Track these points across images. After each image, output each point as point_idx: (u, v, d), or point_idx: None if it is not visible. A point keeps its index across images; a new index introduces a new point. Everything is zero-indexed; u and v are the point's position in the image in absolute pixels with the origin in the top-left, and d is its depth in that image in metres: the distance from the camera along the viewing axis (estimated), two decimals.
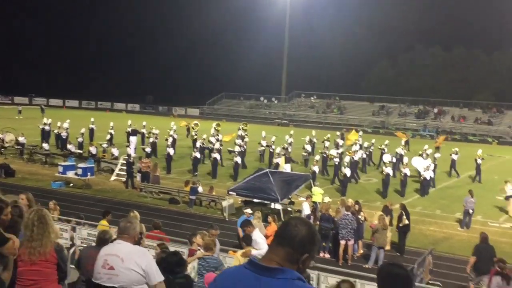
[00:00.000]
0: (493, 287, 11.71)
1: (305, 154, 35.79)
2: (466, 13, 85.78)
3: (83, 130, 37.59)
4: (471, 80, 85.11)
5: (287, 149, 34.15)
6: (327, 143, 35.88)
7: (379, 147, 36.43)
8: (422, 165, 30.22)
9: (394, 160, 33.09)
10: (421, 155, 33.17)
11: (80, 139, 36.14)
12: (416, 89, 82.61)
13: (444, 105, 76.64)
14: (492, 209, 25.33)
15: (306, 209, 19.32)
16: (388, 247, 17.60)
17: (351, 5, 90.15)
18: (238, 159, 30.47)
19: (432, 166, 29.81)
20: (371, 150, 37.32)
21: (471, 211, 21.45)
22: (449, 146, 38.20)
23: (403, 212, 18.61)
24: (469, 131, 68.38)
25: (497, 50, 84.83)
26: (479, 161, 32.87)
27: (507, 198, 24.32)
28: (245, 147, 35.46)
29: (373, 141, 39.37)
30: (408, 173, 28.19)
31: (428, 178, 28.09)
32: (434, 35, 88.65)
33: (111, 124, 40.61)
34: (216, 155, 30.73)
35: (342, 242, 16.99)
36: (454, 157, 34.36)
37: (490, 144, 59.64)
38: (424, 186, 28.17)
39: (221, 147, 33.84)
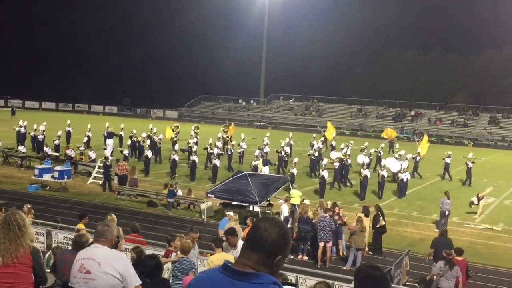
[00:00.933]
0: (435, 269, 13.22)
1: (284, 156, 35.91)
2: (442, 16, 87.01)
3: (59, 133, 37.17)
4: (447, 82, 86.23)
5: (262, 149, 34.22)
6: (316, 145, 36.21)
7: (376, 149, 36.66)
8: (395, 166, 30.65)
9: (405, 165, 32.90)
10: (396, 158, 33.53)
11: (56, 142, 35.74)
12: (393, 92, 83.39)
13: (421, 107, 77.48)
14: (468, 211, 25.61)
15: (285, 211, 19.35)
16: (366, 249, 17.70)
17: (329, 8, 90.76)
18: (217, 162, 30.41)
19: (406, 167, 30.23)
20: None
21: (447, 212, 21.67)
22: (434, 149, 38.53)
23: (379, 213, 18.77)
24: (445, 133, 69.21)
25: (472, 52, 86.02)
26: (470, 164, 32.97)
27: (477, 199, 24.58)
28: (231, 150, 35.46)
29: (351, 142, 39.82)
30: (386, 175, 28.49)
31: (405, 179, 28.33)
32: (411, 38, 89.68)
33: (89, 126, 40.25)
34: (194, 158, 30.61)
35: (321, 244, 17.03)
36: (447, 160, 34.50)
37: (466, 146, 60.38)
38: (401, 188, 28.40)
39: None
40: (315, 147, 37.31)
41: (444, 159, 34.78)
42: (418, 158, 35.11)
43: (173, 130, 40.13)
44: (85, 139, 38.06)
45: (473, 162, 33.35)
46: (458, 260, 13.35)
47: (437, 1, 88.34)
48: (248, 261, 2.80)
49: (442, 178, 34.65)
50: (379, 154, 35.98)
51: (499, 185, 32.43)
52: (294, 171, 28.34)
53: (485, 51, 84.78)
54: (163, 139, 38.23)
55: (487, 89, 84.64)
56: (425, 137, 42.71)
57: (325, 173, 27.54)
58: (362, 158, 32.64)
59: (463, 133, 68.95)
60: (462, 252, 13.77)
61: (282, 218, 18.18)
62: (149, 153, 31.85)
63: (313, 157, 33.48)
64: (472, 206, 24.77)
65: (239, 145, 37.44)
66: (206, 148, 34.09)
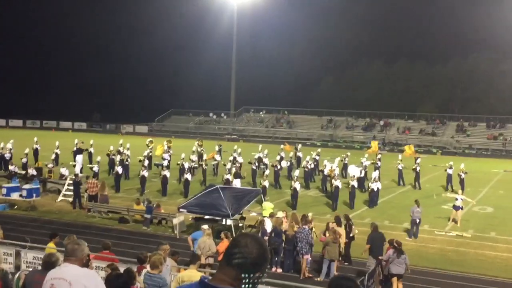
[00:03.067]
0: (385, 257, 15.29)
1: (262, 167, 36.14)
2: (408, 27, 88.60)
3: (27, 151, 36.61)
4: (415, 92, 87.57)
5: (235, 163, 34.25)
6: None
7: (373, 161, 36.84)
8: (355, 171, 31.20)
9: (363, 173, 33.14)
10: (357, 166, 34.25)
11: (24, 160, 35.18)
12: (362, 102, 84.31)
13: (390, 117, 78.43)
14: (438, 218, 25.95)
15: (268, 226, 18.95)
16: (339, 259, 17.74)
17: (297, 22, 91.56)
18: (189, 176, 30.28)
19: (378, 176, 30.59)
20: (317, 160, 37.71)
21: (418, 220, 21.92)
22: (405, 159, 38.93)
23: (350, 222, 18.96)
24: (414, 142, 69.97)
25: (438, 62, 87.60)
26: (462, 175, 32.95)
27: (455, 208, 24.75)
28: (206, 164, 35.32)
29: (319, 150, 40.36)
30: (356, 185, 28.76)
31: (375, 189, 28.58)
32: (378, 49, 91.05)
33: (57, 143, 39.75)
34: (166, 173, 30.42)
35: (306, 257, 17.03)
36: (450, 171, 34.09)
37: (434, 155, 61.28)
38: (372, 197, 28.65)
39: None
40: (282, 160, 37.31)
41: (446, 170, 34.52)
42: (418, 168, 35.15)
43: (147, 145, 39.74)
44: (53, 156, 37.54)
45: (465, 173, 33.27)
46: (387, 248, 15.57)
47: (403, 13, 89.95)
48: (226, 277, 2.79)
49: (446, 189, 34.01)
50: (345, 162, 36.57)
51: (467, 192, 32.85)
52: (266, 183, 28.37)
53: (451, 60, 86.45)
54: (153, 155, 38.09)
55: (454, 97, 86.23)
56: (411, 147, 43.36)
57: (297, 185, 27.66)
58: (353, 170, 32.99)
59: (431, 141, 69.96)
60: (385, 241, 16.44)
61: (265, 232, 18.08)
62: (119, 169, 31.52)
63: (276, 169, 33.36)
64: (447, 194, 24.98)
65: (213, 158, 37.51)
66: (178, 164, 33.82)
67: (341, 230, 17.95)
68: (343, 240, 17.97)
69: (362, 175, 32.50)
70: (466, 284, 16.78)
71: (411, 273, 16.50)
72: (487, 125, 72.57)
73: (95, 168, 32.41)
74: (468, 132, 71.39)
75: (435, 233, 23.19)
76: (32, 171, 30.38)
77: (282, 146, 42.03)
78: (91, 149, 39.53)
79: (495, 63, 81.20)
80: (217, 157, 37.78)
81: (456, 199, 24.86)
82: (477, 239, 22.39)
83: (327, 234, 17.40)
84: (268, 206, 22.38)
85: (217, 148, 41.43)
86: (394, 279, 15.33)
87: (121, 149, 38.46)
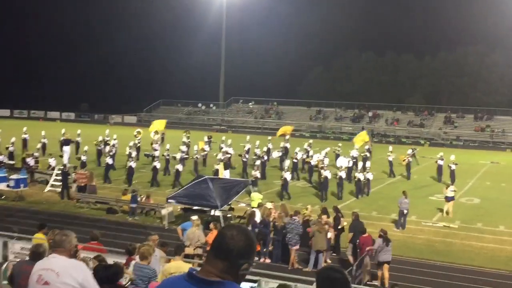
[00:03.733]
0: (375, 246, 15.79)
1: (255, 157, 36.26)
2: (397, 18, 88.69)
3: (13, 139, 36.31)
4: (403, 83, 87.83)
5: (224, 154, 34.22)
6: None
7: (362, 153, 36.95)
8: (343, 162, 31.41)
9: (350, 163, 33.40)
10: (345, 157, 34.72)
11: (11, 149, 34.90)
12: (351, 93, 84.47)
13: (378, 108, 78.63)
14: (426, 210, 26.14)
15: (257, 217, 19.01)
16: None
17: (286, 12, 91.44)
18: (180, 167, 30.20)
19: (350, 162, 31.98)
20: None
21: (405, 211, 22.08)
22: (395, 149, 39.13)
23: (339, 214, 19.07)
24: (402, 134, 70.39)
25: (427, 54, 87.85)
26: (452, 167, 33.06)
27: (447, 199, 24.98)
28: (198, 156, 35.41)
29: (311, 141, 40.47)
30: (344, 176, 28.96)
31: (363, 179, 28.80)
32: (366, 40, 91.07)
33: (43, 133, 39.60)
34: (156, 163, 30.31)
35: (295, 248, 17.13)
36: (440, 162, 34.31)
37: (422, 146, 61.57)
38: (359, 187, 28.84)
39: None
40: (271, 151, 37.46)
41: (436, 161, 34.70)
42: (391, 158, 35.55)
43: (135, 136, 39.53)
44: (39, 145, 37.19)
45: (456, 164, 33.43)
46: (364, 237, 16.44)
47: (392, 4, 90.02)
48: (213, 269, 2.80)
49: (438, 180, 33.98)
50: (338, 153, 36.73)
51: (455, 183, 33.06)
52: (258, 174, 28.50)
53: (439, 52, 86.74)
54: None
55: (442, 89, 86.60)
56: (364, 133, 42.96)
57: (287, 175, 27.84)
58: (342, 161, 33.10)
59: (419, 133, 70.27)
60: (366, 230, 17.01)
61: (256, 222, 18.15)
62: (109, 160, 31.33)
63: (262, 160, 33.43)
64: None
65: (202, 149, 37.43)
66: (164, 155, 33.71)
67: (329, 221, 18.04)
68: (331, 231, 18.05)
69: (350, 165, 32.68)
70: (452, 275, 16.94)
71: (398, 263, 16.63)
72: (475, 117, 72.99)
73: (83, 158, 32.30)
74: (456, 124, 71.81)
75: (422, 224, 23.38)
76: (30, 160, 30.21)
77: (269, 137, 42.02)
78: (79, 139, 39.32)
79: (483, 56, 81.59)
80: (206, 148, 37.74)
81: (449, 190, 25.13)
82: (463, 230, 22.60)
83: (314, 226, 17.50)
84: (256, 197, 22.43)
85: (206, 139, 41.34)
86: (384, 266, 15.75)
87: (107, 139, 38.35)
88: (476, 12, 76.45)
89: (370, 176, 29.52)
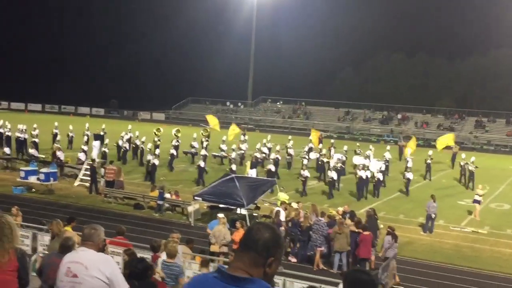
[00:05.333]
0: (385, 243, 16.33)
1: (288, 157, 36.50)
2: (429, 21, 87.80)
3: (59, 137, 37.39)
4: (433, 86, 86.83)
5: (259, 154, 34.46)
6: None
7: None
8: (375, 166, 31.22)
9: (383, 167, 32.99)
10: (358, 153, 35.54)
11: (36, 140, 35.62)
12: (380, 95, 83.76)
13: (408, 111, 77.86)
14: (454, 214, 25.80)
15: (282, 216, 19.03)
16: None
17: (317, 12, 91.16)
18: (202, 163, 30.30)
19: (383, 166, 31.80)
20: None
21: (433, 215, 21.81)
22: (420, 152, 38.63)
23: (375, 216, 18.93)
24: (431, 137, 69.49)
25: (458, 57, 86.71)
26: (471, 168, 33.11)
27: (476, 202, 24.85)
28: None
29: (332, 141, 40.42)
30: (381, 178, 29.68)
31: (381, 179, 29.39)
32: (398, 42, 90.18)
33: (70, 127, 40.32)
34: (200, 162, 30.41)
35: (319, 249, 17.08)
36: (472, 168, 33.82)
37: (451, 150, 60.67)
38: (377, 187, 29.02)
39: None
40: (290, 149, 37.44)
41: (463, 165, 34.50)
42: (429, 161, 35.33)
43: (155, 133, 39.55)
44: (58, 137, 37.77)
45: (476, 167, 33.25)
46: (366, 234, 16.39)
47: (424, 6, 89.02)
48: (241, 264, 2.84)
49: (464, 183, 34.13)
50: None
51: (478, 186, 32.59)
52: (307, 173, 28.88)
53: (471, 55, 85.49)
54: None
55: (473, 93, 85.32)
56: (413, 139, 42.46)
57: (306, 172, 28.44)
58: (358, 160, 32.88)
59: None
60: (367, 228, 16.92)
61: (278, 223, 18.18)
62: (155, 161, 29.95)
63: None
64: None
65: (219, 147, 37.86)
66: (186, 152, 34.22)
67: (348, 222, 17.88)
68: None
69: (384, 168, 32.29)
70: (480, 281, 16.68)
71: (425, 267, 16.43)
72: (507, 121, 71.75)
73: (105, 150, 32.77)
74: (487, 128, 70.69)
75: (451, 228, 23.06)
76: (60, 154, 30.63)
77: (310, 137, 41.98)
78: (102, 133, 39.39)
79: None
80: (243, 147, 37.89)
81: (476, 194, 24.93)
82: (493, 236, 22.22)
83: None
84: (283, 197, 22.41)
85: (242, 137, 41.52)
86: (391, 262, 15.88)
87: (131, 136, 39.19)
88: (509, 15, 75.05)
89: (410, 176, 30.24)
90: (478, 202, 24.93)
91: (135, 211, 23.59)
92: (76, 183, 28.25)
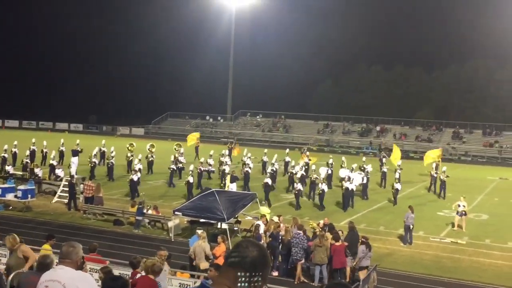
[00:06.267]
0: (359, 253, 16.45)
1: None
2: (407, 33, 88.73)
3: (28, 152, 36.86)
4: (412, 98, 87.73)
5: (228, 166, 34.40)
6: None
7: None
8: (359, 181, 31.49)
9: (365, 180, 33.31)
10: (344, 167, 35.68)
11: (26, 160, 35.11)
12: (359, 108, 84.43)
13: (386, 123, 78.58)
14: (434, 225, 25.99)
15: (261, 229, 19.03)
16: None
17: (295, 25, 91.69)
18: (190, 179, 30.13)
19: (365, 179, 32.25)
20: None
21: (411, 226, 21.95)
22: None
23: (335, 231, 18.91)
24: (410, 149, 70.16)
25: (436, 68, 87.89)
26: (442, 177, 33.69)
27: (460, 214, 25.04)
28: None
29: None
30: (354, 188, 29.45)
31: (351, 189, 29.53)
32: (376, 54, 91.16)
33: (44, 143, 39.97)
34: (189, 178, 30.01)
35: (300, 262, 17.05)
36: (434, 175, 35.46)
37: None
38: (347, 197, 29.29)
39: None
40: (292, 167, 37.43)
41: (439, 175, 35.09)
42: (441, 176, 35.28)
43: (128, 148, 39.06)
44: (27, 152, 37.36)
45: (447, 176, 33.81)
46: (337, 245, 16.57)
47: (402, 18, 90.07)
48: (226, 280, 2.83)
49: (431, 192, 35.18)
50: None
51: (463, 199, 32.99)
52: (300, 186, 28.91)
53: (448, 67, 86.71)
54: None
55: (450, 104, 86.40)
56: (395, 148, 42.66)
57: (299, 186, 28.53)
58: (344, 172, 33.07)
59: (427, 148, 69.96)
60: (339, 238, 16.91)
61: (258, 237, 18.18)
62: (134, 177, 29.67)
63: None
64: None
65: (206, 161, 37.43)
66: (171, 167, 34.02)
67: (328, 235, 17.90)
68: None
69: (365, 181, 32.58)
70: None
71: (406, 279, 16.50)
72: (483, 132, 72.76)
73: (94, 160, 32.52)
74: (464, 139, 71.57)
75: (430, 239, 23.21)
76: (38, 171, 30.30)
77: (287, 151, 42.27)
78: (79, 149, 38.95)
79: (492, 71, 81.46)
80: (210, 161, 37.86)
81: (459, 205, 25.09)
82: (472, 246, 22.41)
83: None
84: (264, 211, 22.38)
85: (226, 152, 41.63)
86: (363, 272, 16.19)
87: (105, 151, 39.23)
88: (486, 27, 76.36)
89: (399, 186, 30.83)
90: (465, 213, 25.15)
91: (115, 227, 23.35)
92: (55, 199, 27.91)
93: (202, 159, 37.58)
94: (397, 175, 31.95)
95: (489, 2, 78.32)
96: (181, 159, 37.44)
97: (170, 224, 21.87)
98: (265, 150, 42.09)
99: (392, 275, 17.88)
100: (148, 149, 38.56)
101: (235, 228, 21.86)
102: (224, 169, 34.25)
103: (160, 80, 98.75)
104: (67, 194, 26.93)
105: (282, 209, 27.81)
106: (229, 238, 18.68)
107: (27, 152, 36.62)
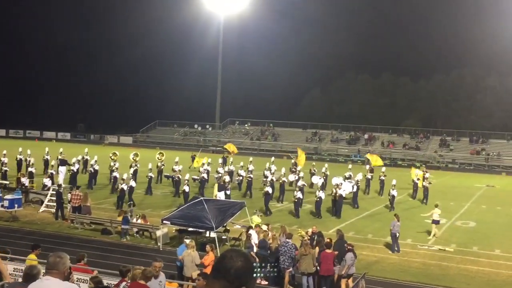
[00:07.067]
0: (348, 260, 16.36)
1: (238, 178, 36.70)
2: (393, 42, 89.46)
3: (6, 160, 36.47)
4: (399, 106, 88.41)
5: (220, 177, 34.20)
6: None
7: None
8: (349, 190, 31.67)
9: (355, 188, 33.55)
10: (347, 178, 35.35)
11: (5, 169, 34.83)
12: (347, 116, 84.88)
13: (374, 131, 78.95)
14: (421, 232, 26.07)
15: (254, 238, 18.90)
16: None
17: (283, 34, 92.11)
18: (186, 188, 30.05)
19: (355, 187, 32.55)
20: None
21: (398, 234, 22.02)
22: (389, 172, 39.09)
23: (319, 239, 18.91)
24: (398, 156, 70.55)
25: (422, 77, 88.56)
26: (425, 184, 34.70)
27: (434, 222, 25.18)
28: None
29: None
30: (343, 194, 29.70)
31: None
32: (363, 63, 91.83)
33: (28, 151, 39.67)
34: (185, 187, 30.11)
35: (288, 271, 17.01)
36: (416, 181, 36.28)
37: (418, 169, 61.60)
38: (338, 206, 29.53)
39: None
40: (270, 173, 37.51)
41: (421, 182, 35.80)
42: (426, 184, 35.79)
43: (111, 158, 38.78)
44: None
45: (430, 183, 34.27)
46: (328, 252, 16.49)
47: (388, 28, 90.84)
48: None
49: (421, 202, 34.92)
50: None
51: (450, 206, 33.29)
52: (300, 195, 28.88)
53: (434, 76, 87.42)
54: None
55: (437, 112, 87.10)
56: (374, 157, 42.87)
57: (299, 194, 28.78)
58: (337, 180, 33.11)
59: (415, 155, 70.43)
60: (331, 246, 16.93)
61: (252, 244, 18.14)
62: (124, 186, 29.35)
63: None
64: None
65: (198, 170, 37.58)
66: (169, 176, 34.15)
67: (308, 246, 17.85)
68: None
69: (355, 190, 32.74)
70: None
71: (394, 287, 16.51)
72: (470, 140, 73.28)
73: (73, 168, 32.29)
74: (451, 147, 72.03)
75: (418, 247, 23.28)
76: (24, 180, 30.09)
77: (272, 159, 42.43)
78: (60, 157, 38.60)
79: (478, 79, 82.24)
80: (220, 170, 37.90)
81: (433, 213, 25.30)
82: (459, 253, 22.51)
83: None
84: (256, 220, 22.39)
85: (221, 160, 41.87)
86: (350, 280, 16.33)
87: (87, 159, 39.37)
88: (471, 35, 77.18)
89: (395, 193, 31.53)
90: (438, 222, 25.36)
91: (103, 237, 23.19)
92: (42, 209, 27.69)
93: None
94: (394, 182, 32.17)
95: (475, 11, 79.24)
96: (176, 168, 37.07)
97: (159, 233, 21.76)
98: (251, 159, 42.04)
99: (381, 283, 17.91)
100: (132, 158, 38.35)
101: (224, 237, 21.80)
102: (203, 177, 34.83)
103: (148, 88, 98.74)
104: (55, 204, 26.73)
105: (280, 217, 27.98)
106: (217, 247, 18.62)
107: (5, 160, 36.31)
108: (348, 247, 16.75)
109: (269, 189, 30.07)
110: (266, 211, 28.67)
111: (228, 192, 30.37)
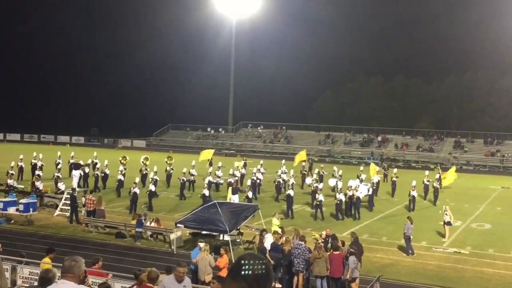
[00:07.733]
0: (351, 264, 16.23)
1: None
2: (406, 44, 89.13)
3: (12, 164, 36.92)
4: (412, 108, 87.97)
5: (236, 180, 34.31)
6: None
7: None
8: (365, 192, 31.60)
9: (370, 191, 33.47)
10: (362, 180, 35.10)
11: (11, 172, 35.08)
12: (360, 118, 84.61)
13: (387, 133, 78.60)
14: (436, 235, 25.89)
15: (268, 241, 18.83)
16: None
17: (296, 37, 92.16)
18: (206, 192, 30.17)
19: (370, 190, 32.46)
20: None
21: (411, 237, 21.90)
22: (403, 174, 38.91)
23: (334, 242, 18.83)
24: (411, 158, 70.19)
25: (435, 79, 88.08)
26: (435, 185, 34.87)
27: (447, 223, 24.99)
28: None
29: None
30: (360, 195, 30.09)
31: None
32: (376, 65, 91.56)
33: (40, 155, 40.21)
34: (205, 191, 30.30)
35: (301, 274, 16.97)
36: (427, 182, 36.26)
37: (432, 171, 61.27)
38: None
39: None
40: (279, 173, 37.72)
41: (432, 183, 35.79)
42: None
43: (121, 162, 38.95)
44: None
45: (440, 184, 34.28)
46: (336, 254, 16.57)
47: (401, 30, 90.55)
48: None
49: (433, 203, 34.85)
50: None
51: (465, 208, 33.03)
52: (322, 197, 28.76)
53: (447, 77, 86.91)
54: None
55: (451, 114, 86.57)
56: (453, 169, 43.25)
57: (290, 192, 29.09)
58: (353, 182, 32.98)
59: (429, 157, 70.02)
60: (339, 248, 17.06)
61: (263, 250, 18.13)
62: (152, 187, 30.29)
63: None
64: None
65: (215, 173, 37.76)
66: (180, 178, 34.22)
67: (322, 248, 17.80)
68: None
69: (370, 193, 32.60)
70: None
71: None
72: (485, 141, 72.72)
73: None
74: (465, 148, 71.53)
75: (433, 249, 23.12)
76: (39, 184, 30.31)
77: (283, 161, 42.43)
78: (72, 161, 38.85)
79: (492, 81, 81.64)
80: (219, 173, 38.03)
81: (446, 215, 25.07)
82: (475, 256, 22.32)
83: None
84: (274, 223, 22.43)
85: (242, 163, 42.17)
86: (355, 283, 16.29)
87: (97, 163, 39.77)
88: (485, 37, 76.68)
89: (415, 193, 31.87)
90: (450, 223, 25.21)
91: (117, 240, 23.28)
92: (56, 213, 27.87)
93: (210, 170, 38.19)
94: (413, 183, 32.15)
95: (489, 12, 78.71)
96: (192, 171, 37.65)
97: (172, 236, 21.80)
98: (261, 161, 42.20)
99: (395, 286, 17.80)
100: (142, 162, 38.50)
101: (237, 240, 21.79)
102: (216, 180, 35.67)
103: (161, 92, 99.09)
104: (69, 208, 26.88)
105: (301, 220, 28.06)
106: (231, 250, 18.63)
107: (12, 164, 36.71)
108: (351, 251, 16.58)
109: (291, 192, 29.92)
110: (288, 214, 28.61)
111: (250, 195, 30.31)
